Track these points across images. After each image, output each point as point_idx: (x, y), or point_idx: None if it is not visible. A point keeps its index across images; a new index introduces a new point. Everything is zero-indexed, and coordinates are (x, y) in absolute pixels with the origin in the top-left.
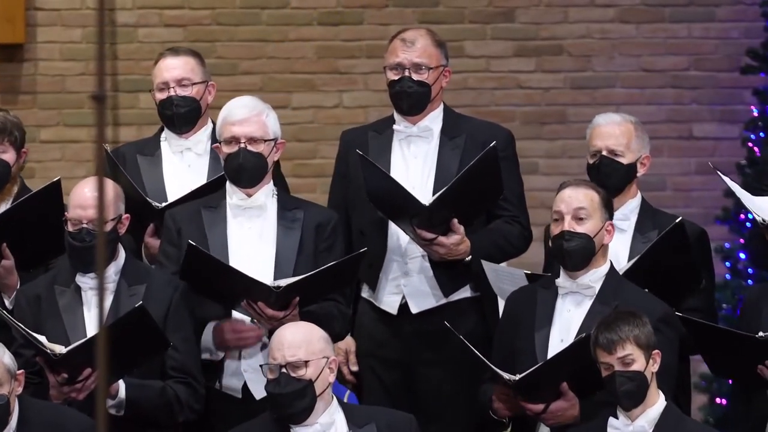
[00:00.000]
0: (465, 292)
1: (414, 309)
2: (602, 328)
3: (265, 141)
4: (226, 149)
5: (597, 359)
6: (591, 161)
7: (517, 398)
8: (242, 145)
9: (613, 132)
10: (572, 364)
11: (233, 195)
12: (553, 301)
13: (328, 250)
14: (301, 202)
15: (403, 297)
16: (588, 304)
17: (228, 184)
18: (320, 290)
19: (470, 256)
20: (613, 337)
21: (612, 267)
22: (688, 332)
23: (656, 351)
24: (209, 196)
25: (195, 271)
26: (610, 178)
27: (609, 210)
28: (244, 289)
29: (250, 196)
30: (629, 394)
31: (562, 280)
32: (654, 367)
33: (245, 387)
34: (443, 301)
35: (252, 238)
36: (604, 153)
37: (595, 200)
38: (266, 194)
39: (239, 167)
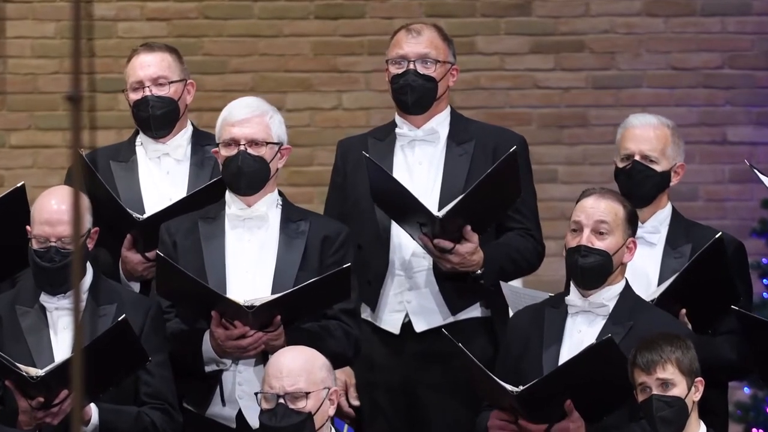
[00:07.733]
0: (474, 311)
1: (418, 327)
2: (642, 347)
3: (268, 144)
4: (225, 152)
5: (634, 382)
6: (621, 165)
7: (518, 418)
8: (242, 148)
9: (648, 135)
10: (581, 377)
11: (232, 204)
12: (562, 320)
13: (336, 264)
14: (308, 214)
15: (407, 315)
16: (601, 323)
17: (227, 193)
18: (305, 308)
19: (482, 269)
20: (654, 357)
21: (627, 285)
22: (744, 332)
23: (699, 378)
24: (208, 207)
25: (169, 285)
26: (641, 186)
27: (633, 226)
28: (220, 306)
29: (250, 205)
30: (667, 421)
31: (573, 298)
32: (696, 395)
33: (240, 415)
34: (450, 319)
35: (251, 251)
36: (637, 158)
37: (620, 214)
38: (269, 204)
39: (238, 171)
